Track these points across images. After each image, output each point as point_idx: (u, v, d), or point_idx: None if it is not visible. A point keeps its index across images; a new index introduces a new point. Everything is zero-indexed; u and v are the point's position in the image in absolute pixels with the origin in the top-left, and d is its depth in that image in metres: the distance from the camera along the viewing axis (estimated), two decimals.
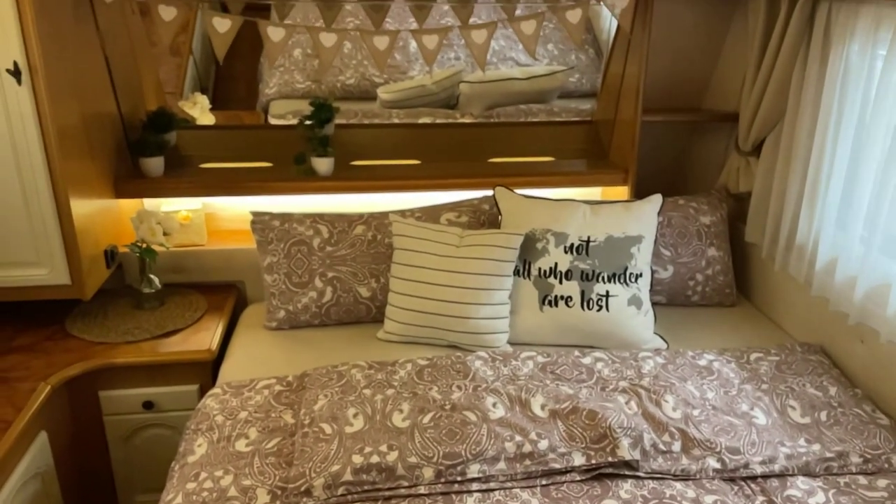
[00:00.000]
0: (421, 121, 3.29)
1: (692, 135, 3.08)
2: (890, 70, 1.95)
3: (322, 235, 2.54)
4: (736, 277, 2.77)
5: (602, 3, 2.59)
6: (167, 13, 2.35)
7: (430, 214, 2.64)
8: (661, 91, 2.88)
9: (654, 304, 2.51)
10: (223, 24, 2.39)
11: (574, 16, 2.55)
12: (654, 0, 2.61)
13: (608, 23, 3.34)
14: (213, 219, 2.93)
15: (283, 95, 3.78)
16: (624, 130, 2.92)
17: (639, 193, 2.89)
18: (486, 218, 2.67)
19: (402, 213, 2.64)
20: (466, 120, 3.31)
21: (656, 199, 2.56)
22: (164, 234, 2.56)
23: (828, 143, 2.23)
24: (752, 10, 2.58)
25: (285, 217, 2.57)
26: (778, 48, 2.40)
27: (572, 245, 2.44)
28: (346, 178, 2.78)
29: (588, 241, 2.44)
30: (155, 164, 2.67)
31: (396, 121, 3.29)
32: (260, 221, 2.55)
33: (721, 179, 2.88)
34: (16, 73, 2.02)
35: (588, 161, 3.08)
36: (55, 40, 2.14)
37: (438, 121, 3.29)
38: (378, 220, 2.60)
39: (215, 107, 3.91)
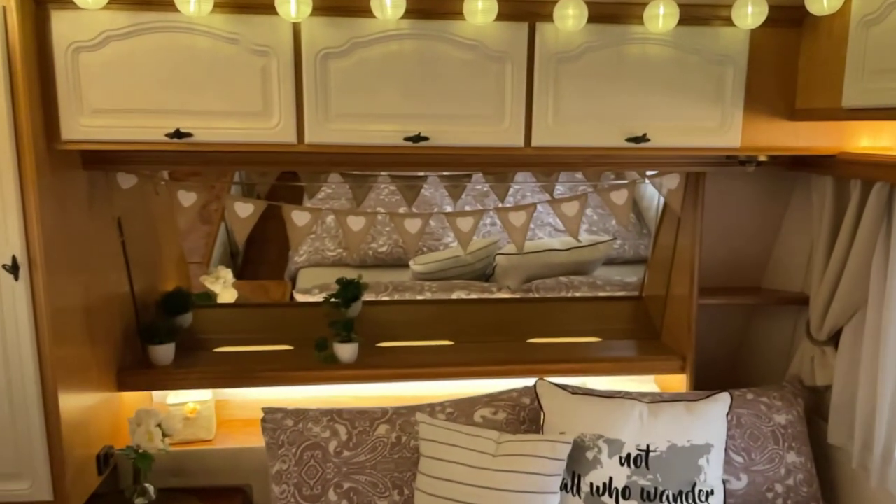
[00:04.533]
0: (454, 295, 3.08)
1: (752, 316, 2.79)
2: None
3: (340, 437, 2.25)
4: (821, 486, 2.36)
5: (650, 182, 2.41)
6: (186, 199, 2.23)
7: (464, 410, 2.34)
8: (716, 268, 2.63)
9: None
10: (245, 209, 2.26)
11: (620, 197, 2.37)
12: (705, 179, 2.42)
13: (649, 187, 3.16)
14: (224, 407, 2.68)
15: (312, 263, 3.65)
16: (678, 308, 2.64)
17: (696, 382, 2.58)
18: (526, 415, 2.35)
19: (432, 408, 2.35)
20: (503, 295, 3.09)
21: (724, 399, 2.23)
22: (165, 435, 2.29)
23: None
24: (816, 190, 2.37)
25: (300, 415, 2.29)
26: (853, 233, 2.15)
27: (629, 456, 2.10)
28: (371, 366, 2.52)
29: (647, 451, 2.10)
30: (164, 353, 2.46)
31: (429, 295, 3.09)
32: (271, 421, 2.27)
33: (792, 370, 2.55)
34: (13, 268, 1.87)
35: (638, 343, 2.79)
36: (62, 230, 2.00)
37: (473, 296, 3.07)
38: (404, 418, 2.30)
39: (243, 274, 3.78)
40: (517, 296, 3.07)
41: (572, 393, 2.28)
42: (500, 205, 2.62)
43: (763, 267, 2.71)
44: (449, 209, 3.39)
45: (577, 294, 3.08)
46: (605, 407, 2.21)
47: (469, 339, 2.78)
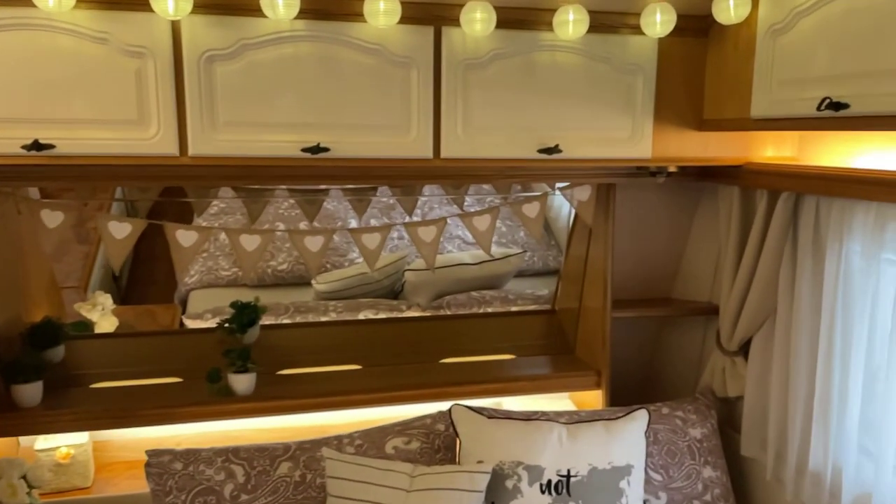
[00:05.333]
0: (361, 315, 2.91)
1: (662, 328, 2.78)
2: None
3: (236, 479, 2.03)
4: (736, 499, 2.35)
5: (561, 194, 2.34)
6: (51, 219, 1.96)
7: (374, 441, 2.18)
8: (628, 279, 2.59)
9: None
10: (121, 230, 2.01)
11: (532, 209, 2.29)
12: (615, 190, 2.38)
13: (557, 197, 3.10)
14: (104, 449, 2.39)
15: (205, 284, 3.38)
16: (591, 322, 2.59)
17: (610, 396, 2.53)
18: (441, 443, 2.21)
19: (339, 441, 2.17)
20: (413, 313, 2.94)
21: (642, 416, 2.18)
22: (32, 487, 1.99)
23: (836, 354, 1.92)
24: (723, 200, 2.37)
25: (190, 456, 2.06)
26: (760, 242, 2.15)
27: (549, 482, 2.00)
28: (271, 397, 2.30)
29: (568, 477, 2.01)
30: (30, 393, 2.15)
31: (334, 316, 2.90)
32: (157, 464, 2.03)
33: (704, 381, 2.54)
34: None
35: (552, 358, 2.71)
36: None
37: (381, 315, 2.91)
38: (308, 454, 2.11)
39: (128, 298, 3.46)
40: (428, 313, 2.93)
41: (489, 417, 2.17)
42: (408, 219, 2.49)
43: (673, 278, 2.70)
44: (354, 224, 3.24)
45: (490, 309, 2.98)
46: (524, 431, 2.10)
47: (378, 363, 2.61)
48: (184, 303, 3.22)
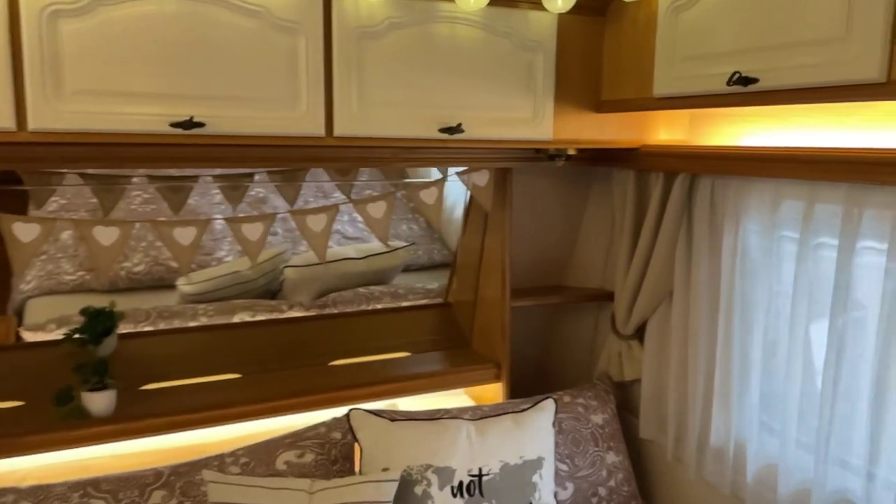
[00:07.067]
0: (237, 318, 2.62)
1: (556, 315, 2.75)
2: (804, 255, 1.72)
3: None
4: (638, 482, 2.34)
5: (459, 179, 2.22)
6: None
7: (263, 458, 1.94)
8: (522, 268, 2.53)
9: None
10: None
11: (430, 195, 2.14)
12: (511, 175, 2.29)
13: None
14: None
15: (45, 291, 2.92)
16: (488, 313, 2.50)
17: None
18: (338, 453, 2.02)
19: (221, 460, 1.91)
20: (296, 313, 2.70)
21: (549, 407, 2.11)
22: None
23: (735, 333, 1.95)
24: (618, 184, 2.35)
25: (40, 493, 1.72)
26: (657, 225, 2.15)
27: (461, 484, 1.87)
28: (136, 417, 1.98)
29: (480, 476, 1.89)
30: None
31: (205, 320, 2.58)
32: None
33: (601, 367, 2.53)
34: None
35: (449, 353, 2.59)
36: None
37: (260, 317, 2.64)
38: (185, 479, 1.84)
39: None
40: (312, 313, 2.70)
41: (391, 420, 2.00)
42: (291, 208, 2.26)
43: (566, 265, 2.67)
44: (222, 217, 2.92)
45: (379, 305, 2.80)
46: (431, 431, 1.96)
47: (260, 370, 2.36)
48: (20, 313, 2.75)
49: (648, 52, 1.86)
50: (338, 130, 1.79)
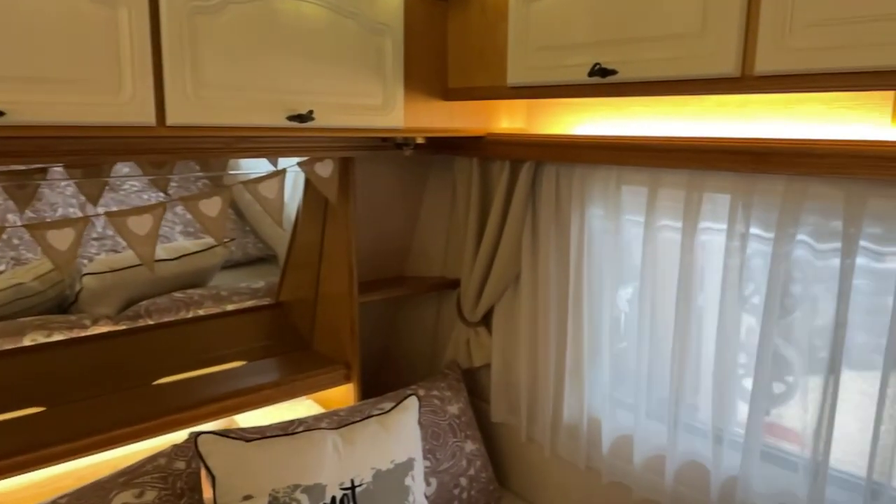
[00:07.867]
0: (28, 340, 2.19)
1: (396, 307, 2.69)
2: (649, 237, 1.83)
3: None
4: (494, 466, 2.38)
5: (301, 169, 2.04)
6: None
7: (93, 502, 1.64)
8: (363, 260, 2.42)
9: None
10: None
11: (270, 189, 1.95)
12: (354, 165, 2.17)
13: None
14: None
15: None
16: (332, 311, 2.36)
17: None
18: (184, 484, 1.78)
19: None
20: (103, 328, 2.32)
21: (412, 405, 2.04)
22: None
23: (584, 314, 2.03)
24: (460, 172, 2.34)
25: None
26: (503, 213, 2.17)
27: (334, 500, 1.74)
28: None
29: (353, 488, 1.77)
30: None
31: None
32: None
33: (448, 355, 2.52)
34: None
35: (288, 358, 2.41)
36: None
37: (58, 336, 2.23)
38: None
39: None
40: (122, 327, 2.34)
41: (246, 441, 1.80)
42: (96, 209, 1.93)
43: (406, 255, 2.62)
44: (16, 220, 2.46)
45: (201, 311, 2.51)
46: (293, 448, 1.79)
47: (69, 399, 2.01)
48: None
49: (500, 40, 1.85)
50: (171, 119, 1.54)
